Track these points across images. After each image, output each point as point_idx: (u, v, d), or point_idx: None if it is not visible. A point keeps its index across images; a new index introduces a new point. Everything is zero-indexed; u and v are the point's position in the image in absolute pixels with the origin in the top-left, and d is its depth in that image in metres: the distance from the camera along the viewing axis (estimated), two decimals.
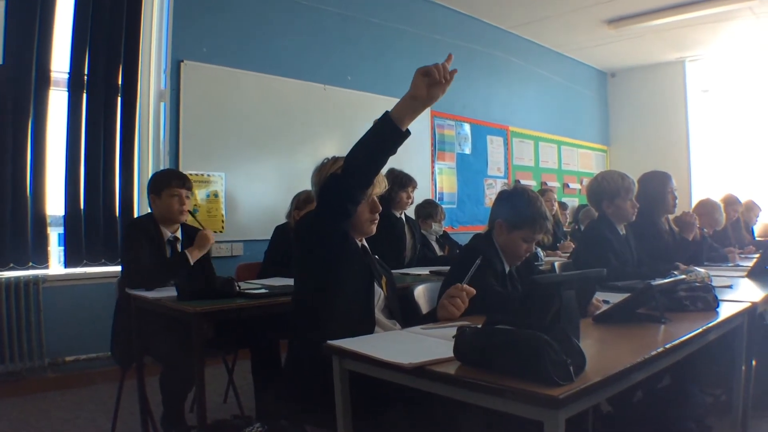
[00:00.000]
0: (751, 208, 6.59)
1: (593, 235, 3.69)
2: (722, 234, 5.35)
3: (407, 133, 2.00)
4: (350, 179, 2.05)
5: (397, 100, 1.98)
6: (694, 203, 5.70)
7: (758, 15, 7.77)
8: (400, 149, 2.03)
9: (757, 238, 7.42)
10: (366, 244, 2.43)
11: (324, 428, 2.13)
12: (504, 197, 2.79)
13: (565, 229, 6.99)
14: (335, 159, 2.38)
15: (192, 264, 3.38)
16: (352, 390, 1.87)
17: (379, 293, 2.37)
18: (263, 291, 3.15)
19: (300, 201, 4.32)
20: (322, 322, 2.17)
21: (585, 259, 3.56)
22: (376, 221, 2.38)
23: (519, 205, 2.64)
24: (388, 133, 1.98)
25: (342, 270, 2.22)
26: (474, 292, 2.24)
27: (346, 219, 2.16)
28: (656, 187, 4.05)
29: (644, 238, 3.87)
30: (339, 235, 2.21)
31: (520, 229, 2.63)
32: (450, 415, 1.91)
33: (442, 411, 1.89)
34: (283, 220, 4.55)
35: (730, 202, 5.72)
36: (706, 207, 5.14)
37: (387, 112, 1.99)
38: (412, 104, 1.96)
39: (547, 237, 2.72)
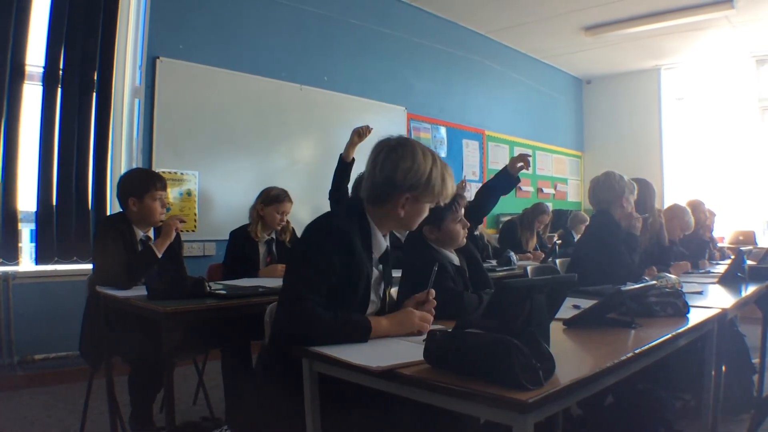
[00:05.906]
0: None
1: (602, 230, 3.64)
2: (692, 237, 5.39)
3: None
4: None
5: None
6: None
7: (734, 24, 7.89)
8: None
9: (727, 245, 7.53)
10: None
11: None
12: None
13: (544, 237, 6.93)
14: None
15: (159, 256, 3.31)
16: (324, 391, 1.86)
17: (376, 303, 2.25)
18: (233, 292, 3.11)
19: (269, 197, 4.14)
20: None
21: (593, 253, 3.55)
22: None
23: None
24: None
25: (342, 283, 2.07)
26: (435, 303, 2.19)
27: None
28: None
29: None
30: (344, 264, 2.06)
31: (445, 219, 2.78)
32: (421, 417, 1.90)
33: (414, 412, 1.89)
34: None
35: (696, 206, 5.72)
36: (675, 211, 5.15)
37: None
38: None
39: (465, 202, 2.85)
